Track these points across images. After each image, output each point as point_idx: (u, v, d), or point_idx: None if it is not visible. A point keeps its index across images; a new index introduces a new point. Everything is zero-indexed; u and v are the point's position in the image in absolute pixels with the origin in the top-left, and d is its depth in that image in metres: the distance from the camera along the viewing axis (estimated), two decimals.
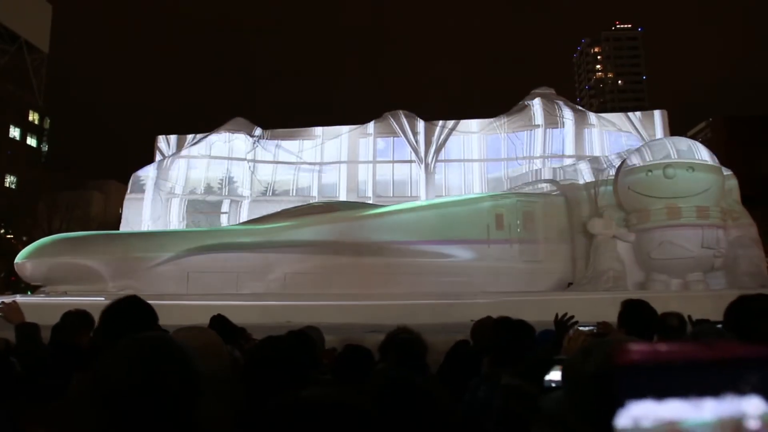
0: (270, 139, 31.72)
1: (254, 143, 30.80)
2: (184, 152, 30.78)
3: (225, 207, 29.39)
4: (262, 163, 30.45)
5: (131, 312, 2.69)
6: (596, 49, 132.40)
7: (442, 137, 29.72)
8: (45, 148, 67.94)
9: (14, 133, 63.77)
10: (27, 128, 65.89)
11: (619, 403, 0.64)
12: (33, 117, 66.99)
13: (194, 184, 29.80)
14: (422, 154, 29.79)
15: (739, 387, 0.61)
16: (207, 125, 41.56)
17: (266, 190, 29.96)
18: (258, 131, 31.80)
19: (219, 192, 29.80)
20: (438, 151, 29.57)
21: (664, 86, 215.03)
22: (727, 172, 21.47)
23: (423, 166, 29.63)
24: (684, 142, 21.44)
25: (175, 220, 28.57)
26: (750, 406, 0.61)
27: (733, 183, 22.21)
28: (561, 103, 29.95)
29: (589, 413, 1.11)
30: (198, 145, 30.83)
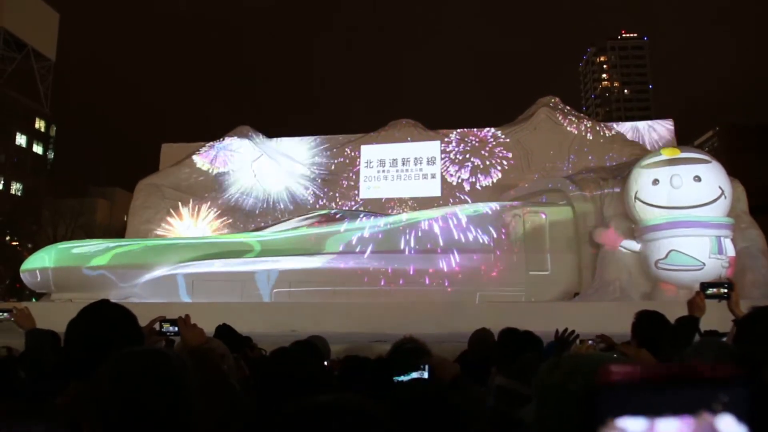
0: (275, 147, 31.80)
1: (259, 151, 30.85)
2: (189, 160, 30.85)
3: (230, 215, 29.40)
4: (266, 171, 30.50)
5: (109, 316, 2.63)
6: (602, 58, 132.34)
7: (446, 146, 29.72)
8: (51, 155, 68.17)
9: (20, 140, 63.98)
10: (33, 135, 66.13)
11: (595, 420, 0.67)
12: (39, 124, 67.24)
13: (199, 192, 29.84)
14: (427, 162, 29.80)
15: (712, 406, 0.64)
16: (213, 133, 41.75)
17: (271, 198, 29.99)
18: (263, 139, 31.89)
19: (224, 200, 29.83)
20: (443, 159, 29.56)
21: (671, 95, 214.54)
22: (734, 181, 21.38)
23: (428, 174, 29.64)
24: (691, 152, 21.38)
25: (179, 228, 28.59)
26: (722, 423, 0.64)
27: (740, 192, 22.12)
28: (567, 112, 29.93)
29: (561, 425, 1.10)
30: (203, 153, 30.91)
